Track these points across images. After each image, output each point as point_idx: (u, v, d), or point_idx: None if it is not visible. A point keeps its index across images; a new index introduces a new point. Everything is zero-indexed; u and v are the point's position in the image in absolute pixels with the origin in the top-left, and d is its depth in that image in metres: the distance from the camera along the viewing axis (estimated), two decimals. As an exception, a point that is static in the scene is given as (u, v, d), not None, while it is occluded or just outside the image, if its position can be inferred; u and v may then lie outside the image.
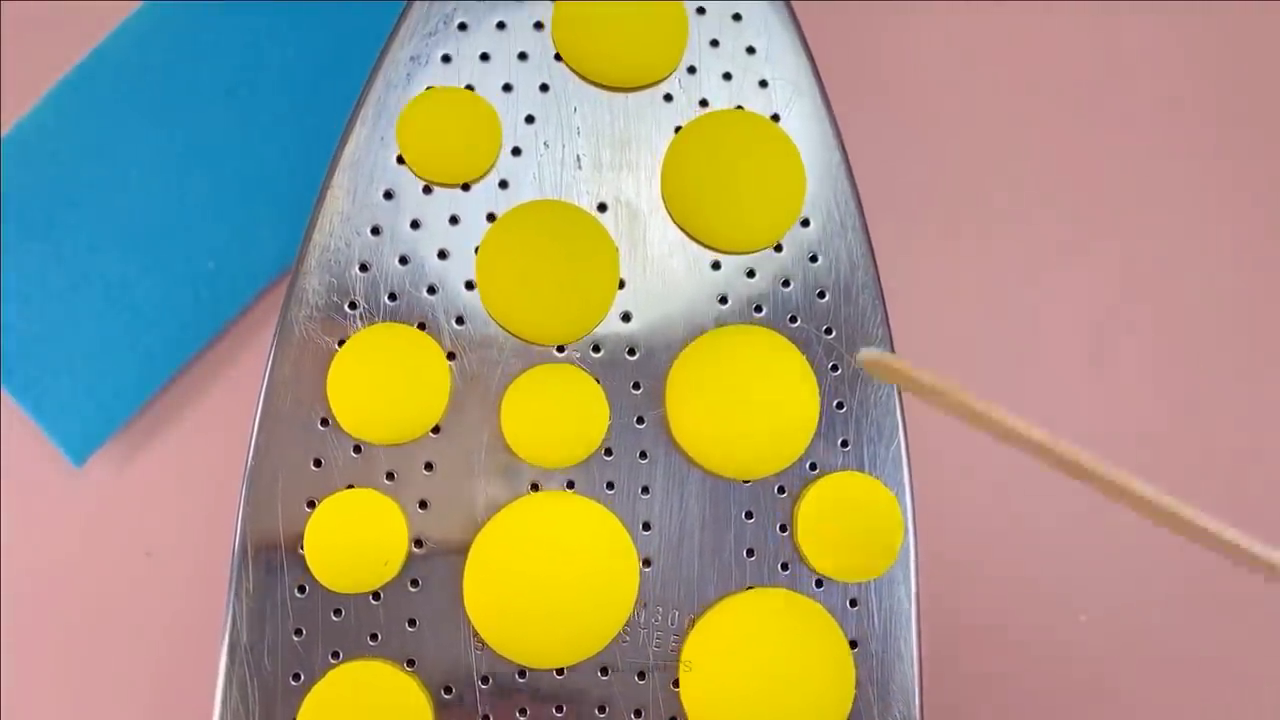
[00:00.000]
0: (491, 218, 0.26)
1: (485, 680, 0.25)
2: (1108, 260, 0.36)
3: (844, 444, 0.26)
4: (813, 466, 0.26)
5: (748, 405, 0.26)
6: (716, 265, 0.27)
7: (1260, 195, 0.36)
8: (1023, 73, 0.37)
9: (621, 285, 0.26)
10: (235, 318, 0.34)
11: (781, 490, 0.26)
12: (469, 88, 0.26)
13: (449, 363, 0.26)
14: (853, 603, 0.26)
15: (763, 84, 0.27)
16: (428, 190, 0.26)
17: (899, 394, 0.27)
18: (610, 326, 0.26)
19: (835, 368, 0.26)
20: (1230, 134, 0.37)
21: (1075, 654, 0.34)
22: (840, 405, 0.26)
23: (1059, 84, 0.37)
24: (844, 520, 0.26)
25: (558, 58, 0.27)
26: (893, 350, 0.27)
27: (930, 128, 0.36)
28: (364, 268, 0.26)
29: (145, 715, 0.33)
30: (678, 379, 0.26)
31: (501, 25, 0.27)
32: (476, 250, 0.26)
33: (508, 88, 0.26)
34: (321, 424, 0.25)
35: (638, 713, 0.25)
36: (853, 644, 0.26)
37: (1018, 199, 0.36)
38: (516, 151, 0.26)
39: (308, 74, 0.34)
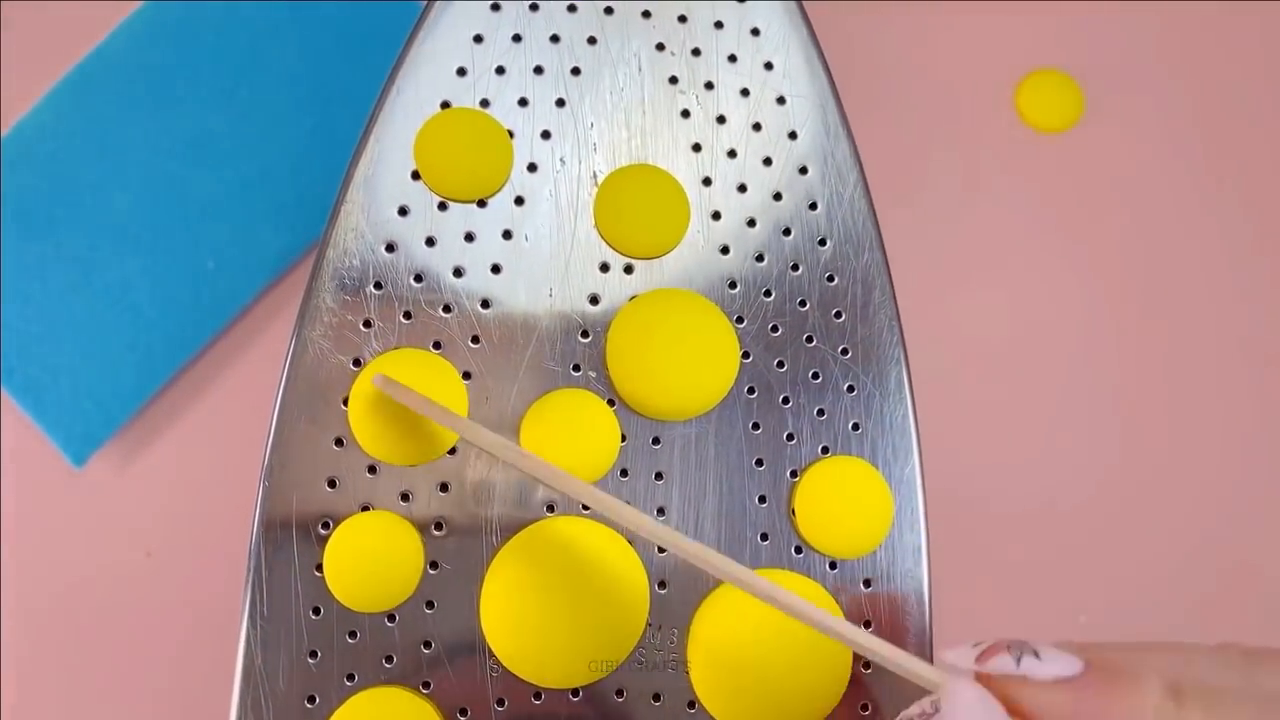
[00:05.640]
0: (508, 235, 0.26)
1: (501, 702, 0.25)
2: (1128, 278, 0.36)
3: (859, 465, 0.26)
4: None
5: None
6: (733, 284, 0.26)
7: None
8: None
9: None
10: (235, 318, 0.34)
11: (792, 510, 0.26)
12: (484, 102, 0.26)
13: (464, 382, 0.25)
14: (866, 624, 0.26)
15: (780, 100, 0.27)
16: (443, 207, 0.26)
17: (914, 415, 0.27)
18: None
19: (851, 389, 0.26)
20: (1234, 130, 0.37)
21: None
22: (856, 427, 0.26)
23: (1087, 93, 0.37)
24: (840, 502, 0.26)
25: (574, 72, 0.26)
26: (908, 371, 0.26)
27: (948, 143, 0.36)
28: (379, 285, 0.25)
29: (147, 714, 0.32)
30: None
31: (517, 38, 0.26)
32: (492, 269, 0.26)
33: (523, 102, 0.26)
34: (336, 444, 0.25)
35: (652, 733, 0.25)
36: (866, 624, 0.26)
37: (1034, 218, 0.36)
38: (533, 168, 0.26)
39: (308, 74, 0.34)
